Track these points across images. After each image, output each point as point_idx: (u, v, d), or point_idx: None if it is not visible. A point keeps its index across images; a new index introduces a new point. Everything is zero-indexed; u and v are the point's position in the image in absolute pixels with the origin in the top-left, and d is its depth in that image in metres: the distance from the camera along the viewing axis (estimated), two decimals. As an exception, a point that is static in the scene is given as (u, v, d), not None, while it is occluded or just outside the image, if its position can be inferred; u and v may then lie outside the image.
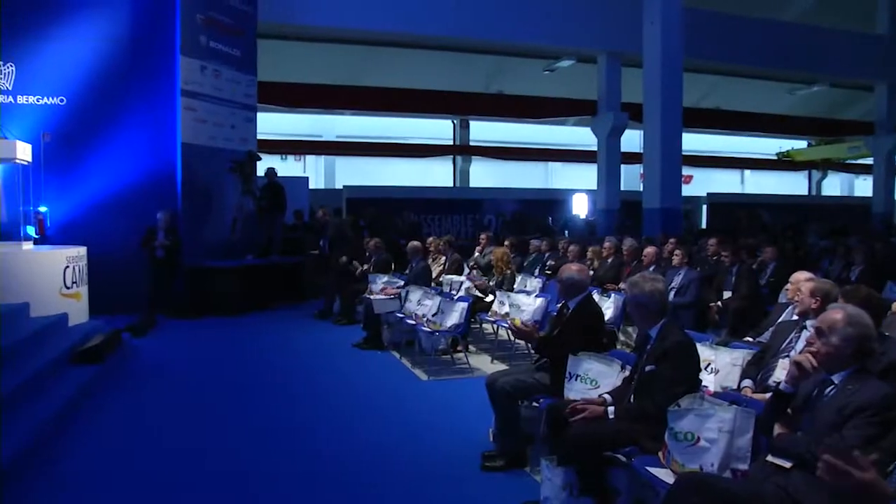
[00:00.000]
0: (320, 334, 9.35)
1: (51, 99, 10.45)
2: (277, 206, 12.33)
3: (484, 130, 25.04)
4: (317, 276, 11.76)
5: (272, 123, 20.02)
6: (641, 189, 15.74)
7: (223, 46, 11.95)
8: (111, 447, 4.86)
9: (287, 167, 22.10)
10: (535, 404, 4.49)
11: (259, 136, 13.22)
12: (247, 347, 8.58)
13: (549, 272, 9.35)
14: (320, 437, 5.08)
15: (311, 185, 19.03)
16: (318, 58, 19.42)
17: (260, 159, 12.46)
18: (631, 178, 24.86)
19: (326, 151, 24.20)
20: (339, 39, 18.32)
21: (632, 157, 21.17)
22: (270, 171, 12.49)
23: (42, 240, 9.69)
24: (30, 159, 8.10)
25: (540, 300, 6.96)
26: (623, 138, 19.21)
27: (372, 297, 8.30)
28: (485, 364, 7.38)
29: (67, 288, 7.79)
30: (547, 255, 10.73)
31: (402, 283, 8.57)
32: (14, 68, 10.31)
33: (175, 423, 5.46)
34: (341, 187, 20.13)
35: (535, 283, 8.52)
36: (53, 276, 7.60)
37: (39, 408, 5.10)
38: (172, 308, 10.11)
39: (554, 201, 21.24)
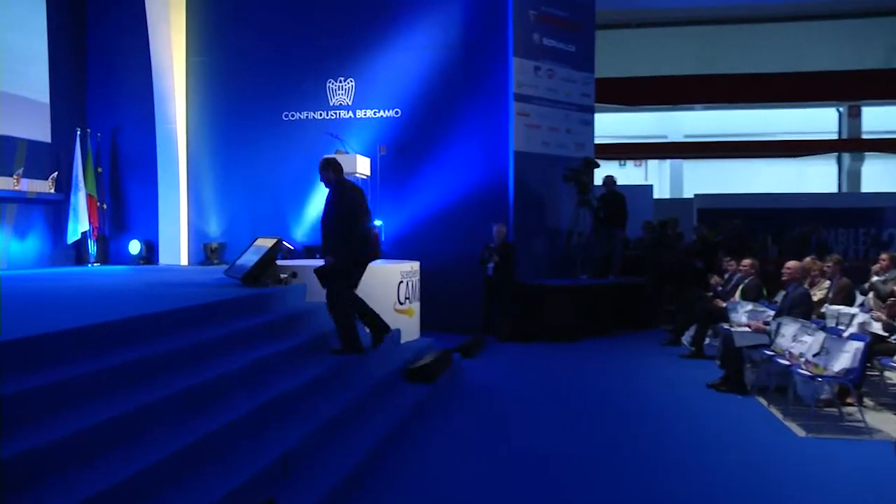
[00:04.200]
0: (667, 369, 9.17)
1: (386, 112, 11.80)
2: (617, 218, 12.35)
3: (882, 119, 22.35)
4: (664, 298, 11.54)
5: (610, 125, 20.20)
6: None
7: (558, 43, 12.37)
8: (441, 470, 5.26)
9: (626, 174, 22.14)
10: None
11: (596, 140, 13.42)
12: (581, 378, 8.70)
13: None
14: (666, 490, 4.93)
15: (656, 195, 18.79)
16: (664, 45, 19.15)
17: (598, 166, 12.61)
18: None
19: (672, 154, 23.67)
20: (689, 21, 17.87)
21: None
22: (609, 180, 12.58)
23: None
24: (369, 173, 9.22)
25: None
26: None
27: (732, 328, 7.92)
28: (887, 424, 6.56)
29: (401, 303, 8.67)
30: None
31: (771, 313, 8.04)
32: (354, 83, 11.88)
33: (500, 452, 5.74)
34: (691, 196, 19.54)
35: (960, 319, 7.36)
36: (388, 291, 8.51)
37: (377, 421, 5.77)
38: (500, 329, 10.74)
39: None
